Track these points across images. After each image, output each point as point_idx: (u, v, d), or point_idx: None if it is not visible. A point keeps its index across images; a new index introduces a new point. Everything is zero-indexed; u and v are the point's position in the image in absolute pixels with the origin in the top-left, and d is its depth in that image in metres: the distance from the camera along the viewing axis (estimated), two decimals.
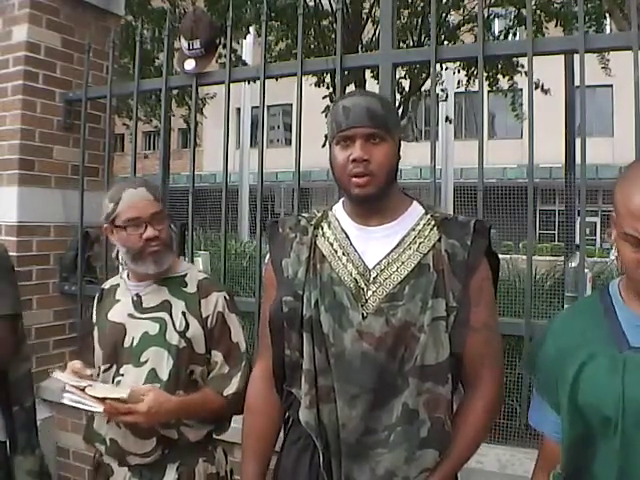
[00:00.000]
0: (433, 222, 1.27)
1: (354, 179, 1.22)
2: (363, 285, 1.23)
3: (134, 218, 1.54)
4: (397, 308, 1.19)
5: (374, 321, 1.19)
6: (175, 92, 7.05)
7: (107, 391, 1.42)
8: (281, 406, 1.35)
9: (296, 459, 1.29)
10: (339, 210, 1.35)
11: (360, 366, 1.18)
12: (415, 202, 1.33)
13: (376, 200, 1.25)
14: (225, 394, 1.55)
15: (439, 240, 1.25)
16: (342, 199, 1.36)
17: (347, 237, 1.29)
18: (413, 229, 1.27)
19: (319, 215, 1.36)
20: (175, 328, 1.56)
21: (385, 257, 1.24)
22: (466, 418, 1.23)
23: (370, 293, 1.22)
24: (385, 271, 1.23)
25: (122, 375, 1.58)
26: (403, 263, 1.23)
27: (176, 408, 1.48)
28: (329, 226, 1.32)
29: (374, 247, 1.26)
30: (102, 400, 1.40)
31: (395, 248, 1.25)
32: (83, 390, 1.42)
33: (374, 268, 1.24)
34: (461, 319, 1.20)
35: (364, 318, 1.20)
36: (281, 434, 1.41)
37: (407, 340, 1.18)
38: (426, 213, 1.30)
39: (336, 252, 1.27)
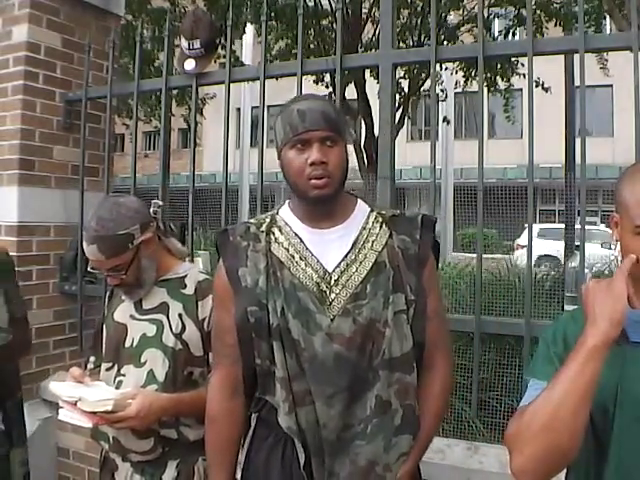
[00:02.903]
0: (381, 219, 1.32)
1: (313, 181, 1.24)
2: (325, 288, 1.25)
3: (96, 267, 1.60)
4: (362, 307, 1.23)
5: (342, 322, 1.22)
6: (175, 92, 7.05)
7: (95, 405, 1.44)
8: (243, 413, 1.37)
9: (267, 455, 1.30)
10: (287, 214, 1.35)
11: (333, 367, 1.21)
12: (360, 200, 1.36)
13: (331, 201, 1.28)
14: None
15: (390, 237, 1.29)
16: (287, 202, 1.37)
17: (301, 241, 1.30)
18: (364, 228, 1.31)
19: (268, 221, 1.36)
20: (171, 330, 1.57)
21: (343, 259, 1.27)
22: (426, 401, 1.30)
23: (333, 295, 1.25)
24: (345, 273, 1.26)
25: (124, 375, 1.60)
26: (361, 263, 1.27)
27: (167, 405, 1.50)
28: (280, 231, 1.33)
29: (330, 250, 1.28)
30: (93, 414, 1.43)
31: (351, 249, 1.28)
32: (75, 404, 1.45)
33: (334, 271, 1.26)
34: (420, 310, 1.26)
35: (332, 320, 1.23)
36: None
37: (373, 336, 1.23)
38: (372, 211, 1.34)
39: (293, 257, 1.28)
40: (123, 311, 1.66)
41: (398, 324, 1.23)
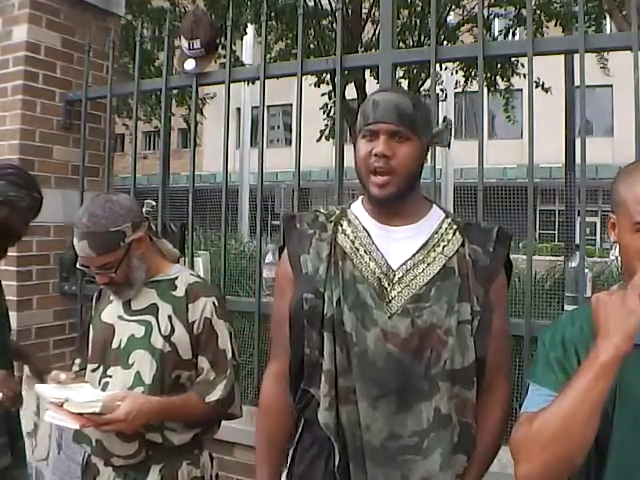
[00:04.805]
0: (455, 227, 1.28)
1: (372, 178, 1.21)
2: (386, 284, 1.21)
3: (84, 265, 1.57)
4: (423, 310, 1.18)
5: (399, 322, 1.18)
6: (175, 92, 7.04)
7: (82, 406, 1.40)
8: (293, 408, 1.31)
9: (309, 465, 1.25)
10: (358, 208, 1.33)
11: (384, 366, 1.16)
12: (435, 206, 1.32)
13: (396, 201, 1.24)
14: (207, 401, 1.53)
15: (462, 245, 1.25)
16: (361, 197, 1.35)
17: (369, 235, 1.27)
18: (436, 232, 1.27)
19: (338, 212, 1.34)
20: (160, 332, 1.55)
21: (411, 258, 1.23)
22: (486, 424, 1.23)
23: (395, 293, 1.21)
24: (411, 272, 1.22)
25: (110, 376, 1.57)
26: (429, 265, 1.22)
27: (156, 408, 1.47)
28: (349, 223, 1.30)
29: (397, 247, 1.25)
30: (80, 415, 1.40)
31: (420, 250, 1.24)
32: (61, 406, 1.42)
33: (399, 268, 1.23)
34: (484, 324, 1.20)
35: (389, 318, 1.18)
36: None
37: (433, 343, 1.17)
38: (446, 217, 1.30)
39: (358, 250, 1.25)
40: (111, 312, 1.63)
41: (461, 334, 1.17)
